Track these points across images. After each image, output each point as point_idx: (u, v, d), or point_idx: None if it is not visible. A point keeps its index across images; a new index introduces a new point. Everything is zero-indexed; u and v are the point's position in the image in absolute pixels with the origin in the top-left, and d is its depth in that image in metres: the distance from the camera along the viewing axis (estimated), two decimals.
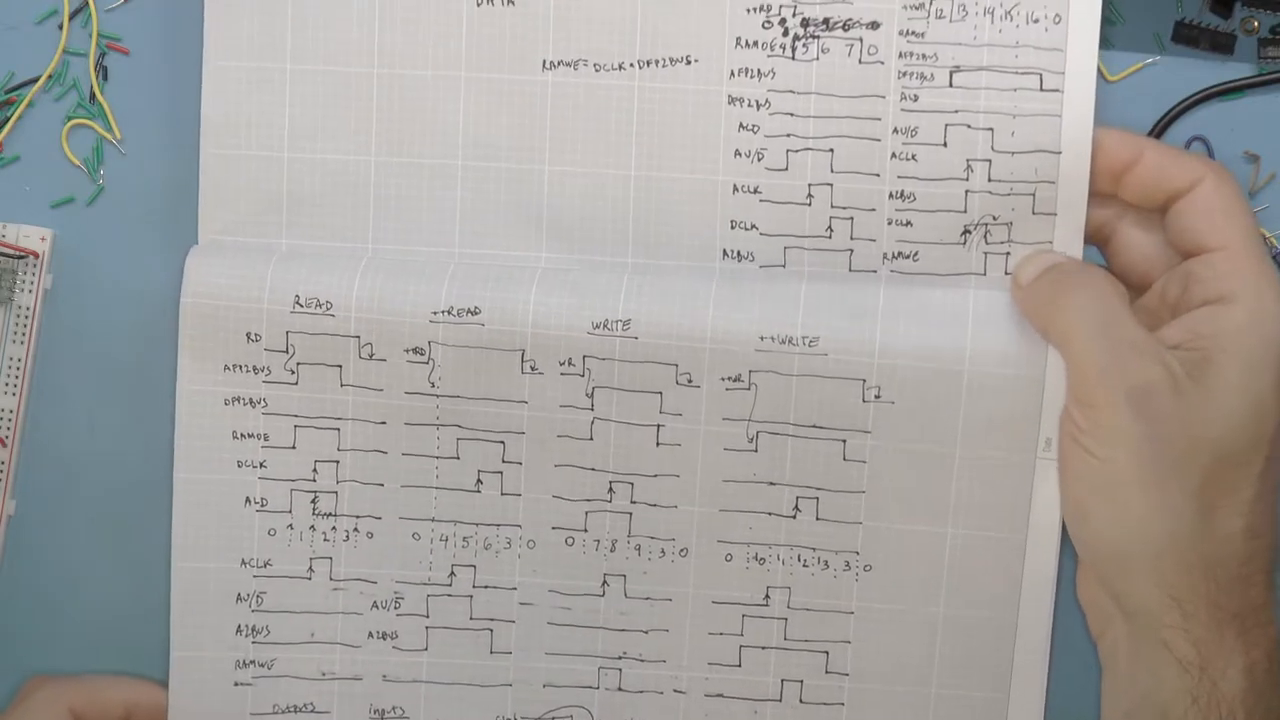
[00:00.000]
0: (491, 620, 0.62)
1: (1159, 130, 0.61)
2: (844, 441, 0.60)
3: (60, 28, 0.63)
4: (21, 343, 0.63)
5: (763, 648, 0.62)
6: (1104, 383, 0.55)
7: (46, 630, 0.65)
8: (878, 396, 0.59)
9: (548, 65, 0.60)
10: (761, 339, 0.59)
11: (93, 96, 0.63)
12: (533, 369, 0.60)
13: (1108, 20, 0.60)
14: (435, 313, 0.59)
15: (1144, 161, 0.57)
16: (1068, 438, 0.57)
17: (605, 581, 0.62)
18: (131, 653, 0.64)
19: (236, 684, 0.62)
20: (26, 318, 0.63)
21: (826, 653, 0.62)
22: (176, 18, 0.62)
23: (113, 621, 0.65)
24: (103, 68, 0.63)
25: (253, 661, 0.62)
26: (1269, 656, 0.54)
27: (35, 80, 0.63)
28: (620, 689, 0.62)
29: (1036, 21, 0.57)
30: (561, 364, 0.60)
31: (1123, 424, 0.54)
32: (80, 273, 0.64)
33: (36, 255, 0.63)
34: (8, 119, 0.63)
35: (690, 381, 0.59)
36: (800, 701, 0.62)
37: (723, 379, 0.59)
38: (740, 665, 0.62)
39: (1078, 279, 0.57)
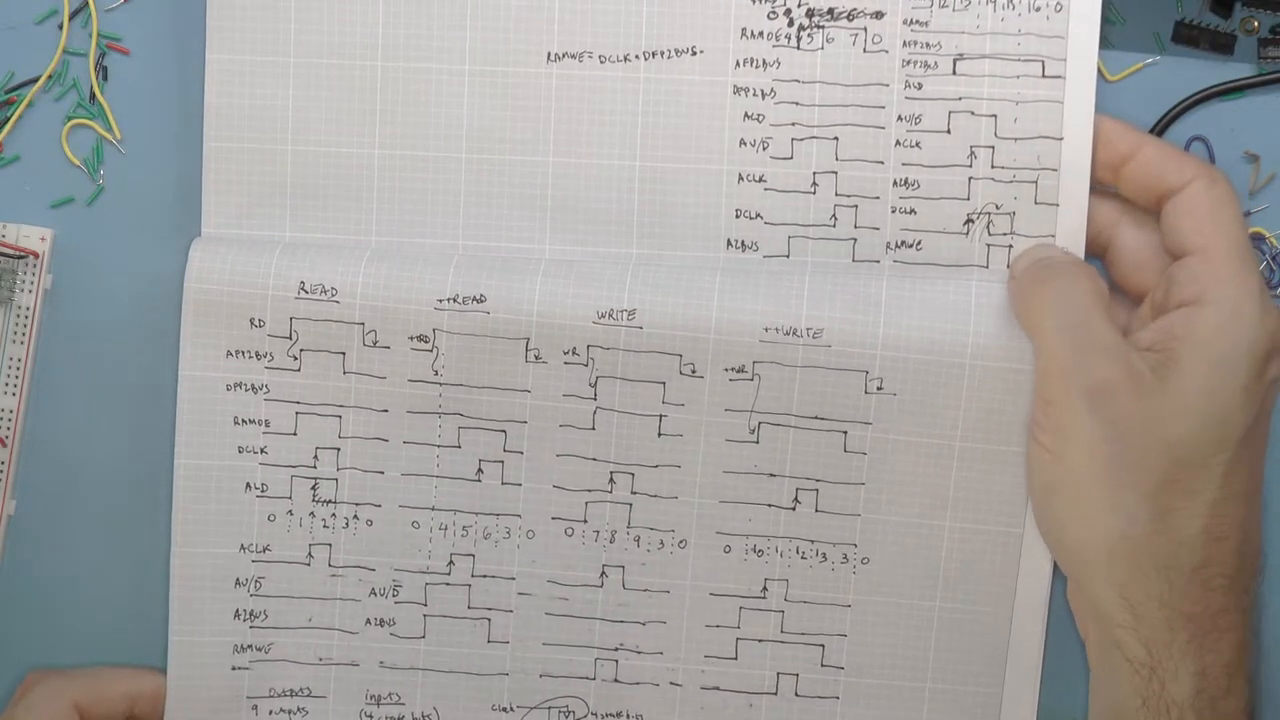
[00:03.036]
0: (489, 609, 0.62)
1: (1159, 130, 0.60)
2: (845, 433, 0.60)
3: (60, 28, 0.63)
4: (21, 343, 0.63)
5: (759, 640, 0.62)
6: (1064, 380, 0.55)
7: (47, 630, 0.64)
8: (880, 388, 0.59)
9: (552, 58, 0.60)
10: (765, 330, 0.59)
11: (93, 96, 0.63)
12: (536, 358, 0.60)
13: (1107, 20, 0.60)
14: (440, 300, 0.59)
15: (1141, 156, 0.57)
16: (1030, 433, 0.57)
17: (604, 572, 0.62)
18: (132, 652, 0.64)
19: (234, 668, 0.62)
20: (26, 318, 0.63)
21: (822, 646, 0.62)
22: (176, 17, 0.62)
23: (112, 621, 0.64)
24: (103, 68, 0.63)
25: (250, 646, 0.62)
26: (1227, 663, 0.54)
27: (35, 80, 0.63)
28: (616, 680, 0.62)
29: (1038, 9, 0.58)
30: (565, 353, 0.60)
31: (1079, 422, 0.54)
32: (80, 273, 0.63)
33: (36, 255, 0.63)
34: (8, 119, 0.63)
35: (694, 372, 0.60)
36: (796, 695, 0.62)
37: (726, 370, 0.59)
38: (736, 658, 0.62)
39: (1056, 274, 0.57)
